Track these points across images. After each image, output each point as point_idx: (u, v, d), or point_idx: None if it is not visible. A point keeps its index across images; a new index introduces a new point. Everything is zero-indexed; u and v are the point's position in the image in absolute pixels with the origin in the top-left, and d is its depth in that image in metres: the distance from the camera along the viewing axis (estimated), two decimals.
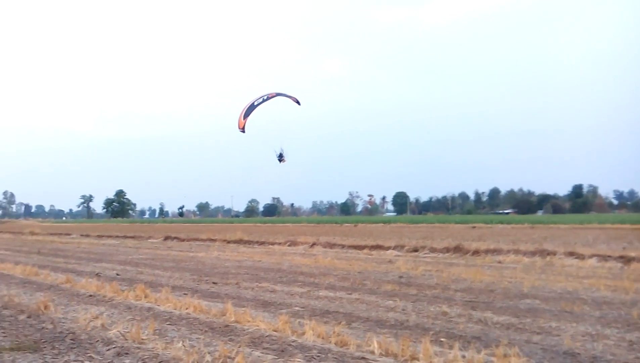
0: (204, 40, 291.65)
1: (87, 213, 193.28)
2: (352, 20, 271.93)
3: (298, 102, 16.66)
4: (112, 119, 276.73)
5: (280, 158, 16.72)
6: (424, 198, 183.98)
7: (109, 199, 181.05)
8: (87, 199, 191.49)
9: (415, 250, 22.14)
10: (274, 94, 15.86)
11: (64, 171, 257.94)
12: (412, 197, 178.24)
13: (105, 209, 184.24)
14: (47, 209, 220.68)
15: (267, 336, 7.30)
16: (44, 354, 6.57)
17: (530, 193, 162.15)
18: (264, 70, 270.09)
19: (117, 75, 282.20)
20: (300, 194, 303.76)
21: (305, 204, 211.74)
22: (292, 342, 6.99)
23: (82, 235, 44.19)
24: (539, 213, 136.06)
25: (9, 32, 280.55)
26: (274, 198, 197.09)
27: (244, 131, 15.24)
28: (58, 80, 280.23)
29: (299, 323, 7.90)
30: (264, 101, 15.53)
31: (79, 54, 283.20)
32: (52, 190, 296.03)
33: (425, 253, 21.36)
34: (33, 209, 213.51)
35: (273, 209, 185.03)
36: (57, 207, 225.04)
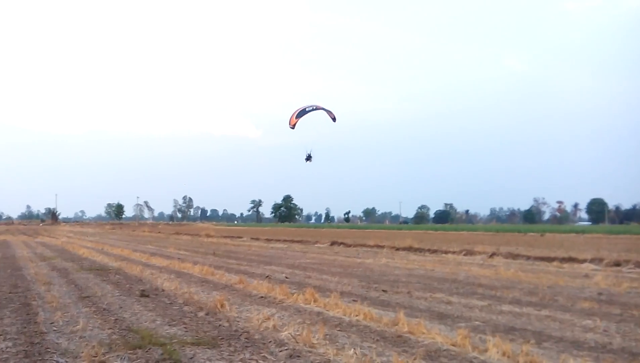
0: (384, 42, 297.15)
1: (256, 217, 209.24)
2: (536, 12, 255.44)
3: (334, 119, 18.93)
4: (278, 126, 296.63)
5: (308, 158, 19.27)
6: (626, 206, 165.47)
7: (276, 204, 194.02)
8: (257, 204, 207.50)
9: (617, 264, 20.14)
10: (321, 107, 18.67)
11: (236, 177, 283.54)
12: (611, 204, 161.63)
13: (273, 214, 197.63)
14: (220, 213, 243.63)
15: (444, 350, 7.13)
16: (221, 350, 7.17)
17: None
18: (442, 72, 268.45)
19: (282, 84, 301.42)
20: (476, 201, 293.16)
21: (482, 211, 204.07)
22: (474, 358, 6.74)
23: (252, 238, 47.81)
24: None
25: (188, 48, 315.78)
26: (446, 204, 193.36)
27: (293, 128, 18.21)
28: (230, 91, 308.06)
29: (479, 339, 7.60)
30: (313, 110, 18.42)
31: (247, 65, 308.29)
32: (225, 195, 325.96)
33: (630, 268, 19.33)
34: (208, 213, 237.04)
35: (445, 216, 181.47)
36: (230, 211, 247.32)
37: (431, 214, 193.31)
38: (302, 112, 18.16)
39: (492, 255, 24.74)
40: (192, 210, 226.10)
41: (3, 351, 6.96)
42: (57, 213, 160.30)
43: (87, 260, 22.42)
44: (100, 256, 24.11)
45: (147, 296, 11.96)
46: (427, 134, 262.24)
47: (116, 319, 9.33)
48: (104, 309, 10.35)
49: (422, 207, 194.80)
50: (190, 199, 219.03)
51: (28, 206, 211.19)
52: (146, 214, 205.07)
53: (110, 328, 8.51)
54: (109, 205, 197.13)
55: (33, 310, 10.15)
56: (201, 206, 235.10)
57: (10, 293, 12.40)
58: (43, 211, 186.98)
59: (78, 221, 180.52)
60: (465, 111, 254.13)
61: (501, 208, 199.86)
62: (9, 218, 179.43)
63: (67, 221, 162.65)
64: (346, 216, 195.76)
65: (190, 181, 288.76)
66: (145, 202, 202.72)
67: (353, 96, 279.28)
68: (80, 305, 10.84)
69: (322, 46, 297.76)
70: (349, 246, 34.48)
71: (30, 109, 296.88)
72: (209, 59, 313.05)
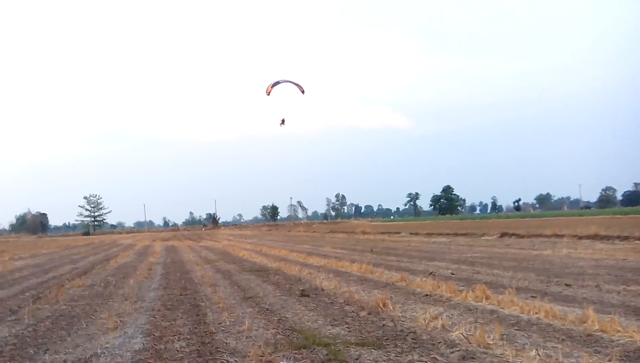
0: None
1: (414, 211, 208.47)
2: None
3: (302, 92, 22.00)
4: (433, 115, 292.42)
5: (282, 122, 22.75)
6: None
7: (435, 196, 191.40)
8: (414, 197, 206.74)
9: None
10: (292, 81, 22.28)
11: (390, 170, 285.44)
12: None
13: (432, 207, 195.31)
14: (375, 209, 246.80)
15: None
16: (387, 351, 7.23)
17: None
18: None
19: (429, 71, 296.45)
20: None
21: None
22: None
23: (410, 233, 47.72)
24: None
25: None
26: (636, 184, 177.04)
27: (269, 95, 21.74)
28: (375, 82, 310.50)
29: None
30: (285, 82, 22.03)
31: (389, 54, 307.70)
32: (379, 190, 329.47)
33: None
34: (362, 210, 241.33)
35: (636, 198, 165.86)
36: (385, 206, 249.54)
37: (619, 196, 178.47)
38: (275, 83, 21.85)
39: None
40: (345, 207, 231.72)
41: (178, 350, 7.67)
42: (217, 217, 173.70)
43: (247, 262, 23.93)
44: (260, 258, 25.61)
45: (308, 296, 12.45)
46: (608, 105, 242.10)
47: (279, 319, 9.83)
48: (267, 309, 10.96)
49: (607, 189, 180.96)
50: (344, 197, 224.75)
51: (191, 213, 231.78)
52: (300, 214, 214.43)
53: (275, 328, 8.99)
54: (264, 207, 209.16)
55: (202, 311, 11.06)
56: (355, 203, 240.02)
57: (180, 295, 13.64)
58: (204, 216, 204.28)
59: (236, 224, 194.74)
60: None
61: None
62: (175, 224, 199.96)
63: (226, 224, 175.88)
64: (516, 204, 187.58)
65: (342, 178, 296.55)
66: (299, 202, 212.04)
67: (511, 73, 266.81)
68: (245, 305, 11.60)
69: (468, 20, 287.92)
70: (522, 237, 33.18)
71: (190, 124, 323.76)
72: (350, 53, 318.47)
